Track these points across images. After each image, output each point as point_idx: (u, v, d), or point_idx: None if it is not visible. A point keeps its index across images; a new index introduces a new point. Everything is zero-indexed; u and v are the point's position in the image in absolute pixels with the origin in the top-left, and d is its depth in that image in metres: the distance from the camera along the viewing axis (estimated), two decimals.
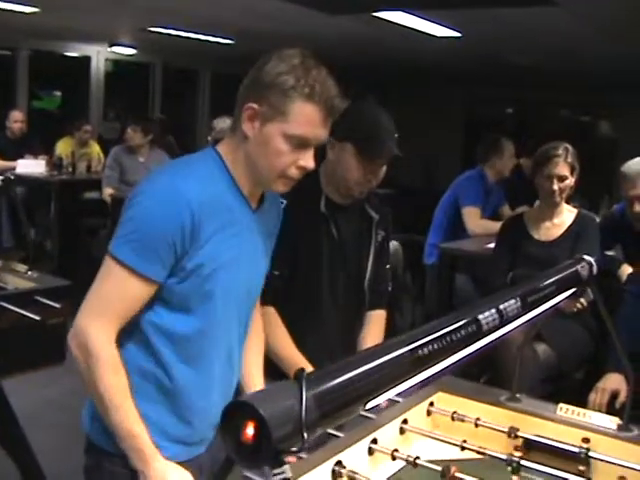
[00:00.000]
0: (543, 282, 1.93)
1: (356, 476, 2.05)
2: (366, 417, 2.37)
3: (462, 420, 2.46)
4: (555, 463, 2.21)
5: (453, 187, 5.78)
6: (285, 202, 2.30)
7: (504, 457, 2.29)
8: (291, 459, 1.49)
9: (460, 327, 1.41)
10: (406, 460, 2.21)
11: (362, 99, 2.66)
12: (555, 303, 2.01)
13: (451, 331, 1.38)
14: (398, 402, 2.49)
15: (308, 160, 1.90)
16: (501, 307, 1.60)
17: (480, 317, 1.50)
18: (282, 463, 0.95)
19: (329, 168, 2.61)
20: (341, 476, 2.06)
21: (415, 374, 1.25)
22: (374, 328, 2.80)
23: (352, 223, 2.68)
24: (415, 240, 6.26)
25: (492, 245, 4.43)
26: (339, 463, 2.06)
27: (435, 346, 1.29)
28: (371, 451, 2.23)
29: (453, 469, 2.06)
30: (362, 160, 2.49)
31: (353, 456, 2.12)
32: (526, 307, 1.73)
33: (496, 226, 4.95)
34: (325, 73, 1.89)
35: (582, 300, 3.49)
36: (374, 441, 2.24)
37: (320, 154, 2.21)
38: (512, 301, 1.67)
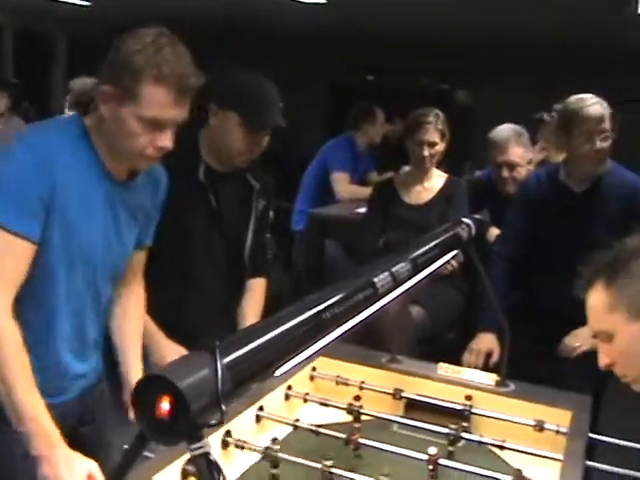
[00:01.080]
0: (429, 244, 1.96)
1: (244, 444, 2.04)
2: None
3: (346, 384, 2.48)
4: (439, 421, 2.27)
5: (322, 153, 5.78)
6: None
7: (391, 418, 2.34)
8: None
9: (358, 290, 1.41)
10: (293, 425, 2.21)
11: (247, 69, 2.60)
12: (440, 265, 2.05)
13: (350, 294, 1.37)
14: None
15: (165, 140, 1.87)
16: (394, 270, 1.61)
17: (375, 280, 1.51)
18: (201, 437, 0.91)
19: (210, 135, 2.55)
20: (230, 445, 2.04)
21: (320, 338, 1.24)
22: (254, 296, 2.77)
23: (232, 192, 2.63)
24: (282, 207, 6.24)
25: (361, 210, 4.48)
26: (227, 433, 2.05)
27: (337, 310, 1.28)
28: (258, 418, 2.22)
29: (356, 435, 2.08)
30: (247, 130, 2.45)
31: (240, 425, 2.11)
32: (416, 269, 1.76)
33: (365, 191, 5.01)
34: (179, 51, 1.84)
35: (453, 262, 3.58)
36: (260, 408, 2.23)
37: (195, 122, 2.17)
38: (403, 264, 1.69)
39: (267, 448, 1.98)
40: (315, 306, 1.25)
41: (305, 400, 2.42)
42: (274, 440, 1.99)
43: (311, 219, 5.46)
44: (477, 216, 3.83)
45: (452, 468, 1.99)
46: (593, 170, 3.06)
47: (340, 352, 2.65)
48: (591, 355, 1.70)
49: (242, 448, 2.04)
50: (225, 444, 2.04)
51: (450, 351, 3.14)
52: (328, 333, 1.27)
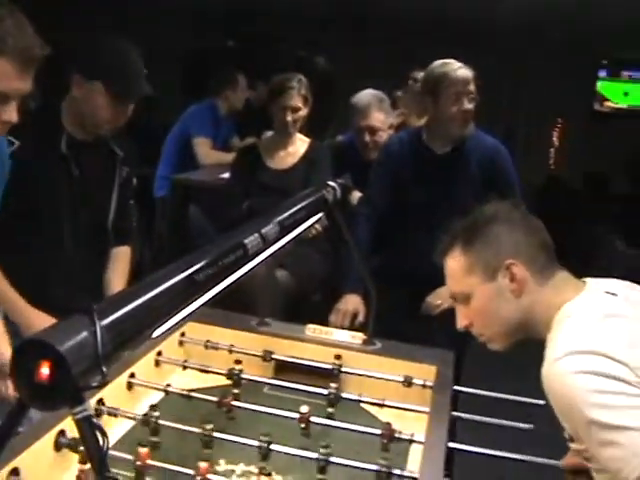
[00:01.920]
0: (296, 207, 1.99)
1: (117, 412, 2.03)
2: None
3: (216, 348, 2.49)
4: (310, 381, 2.32)
5: (183, 119, 5.71)
6: (17, 143, 2.28)
7: (261, 380, 2.38)
8: None
9: (229, 252, 1.43)
10: (165, 391, 2.21)
11: (110, 36, 2.54)
12: (307, 227, 2.09)
13: (222, 256, 1.39)
14: None
15: (11, 114, 1.81)
16: (263, 231, 1.63)
17: (246, 241, 1.52)
18: (82, 400, 0.91)
19: (74, 106, 2.49)
20: (103, 414, 2.03)
21: (195, 298, 1.25)
22: (119, 265, 2.75)
23: (96, 161, 2.59)
24: (142, 174, 6.12)
25: (225, 176, 4.46)
26: (100, 401, 2.03)
27: (210, 271, 1.30)
28: (130, 386, 2.21)
29: (229, 398, 2.10)
30: (113, 99, 2.41)
31: (112, 393, 2.08)
32: (284, 230, 1.78)
33: (227, 157, 4.99)
34: (20, 22, 1.78)
35: (317, 226, 3.63)
36: (132, 375, 2.22)
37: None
38: (271, 226, 1.71)
39: (146, 415, 1.98)
40: (189, 268, 1.26)
41: (175, 366, 2.42)
42: (153, 407, 1.98)
43: (174, 185, 5.40)
44: (340, 180, 3.89)
45: (324, 425, 2.05)
46: (459, 132, 3.14)
47: (208, 317, 2.65)
48: (453, 313, 1.78)
49: (115, 416, 2.03)
50: (98, 412, 2.02)
51: (317, 313, 3.19)
52: (203, 294, 1.29)
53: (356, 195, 3.86)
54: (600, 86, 9.30)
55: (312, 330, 2.60)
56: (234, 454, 1.94)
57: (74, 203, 2.54)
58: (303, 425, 2.02)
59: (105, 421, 2.01)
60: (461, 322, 1.68)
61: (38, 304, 2.40)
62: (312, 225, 3.61)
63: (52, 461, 1.77)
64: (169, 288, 1.17)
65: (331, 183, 2.41)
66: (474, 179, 3.15)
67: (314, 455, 1.82)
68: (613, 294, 1.56)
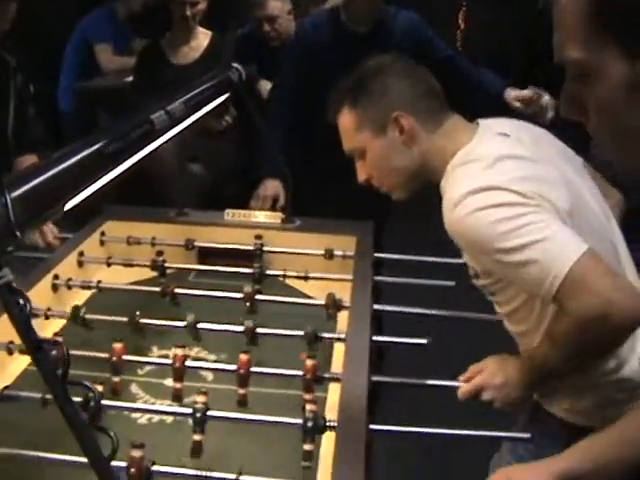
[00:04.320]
0: (203, 86, 1.98)
1: (47, 313, 2.03)
2: (40, 258, 2.33)
3: (138, 243, 2.49)
4: (234, 264, 2.35)
5: (81, 26, 5.52)
6: None
7: (185, 267, 2.41)
8: None
9: (137, 126, 1.42)
10: (96, 288, 2.22)
11: None
12: (213, 107, 2.08)
13: (130, 130, 1.38)
14: (68, 238, 2.47)
15: None
16: (169, 109, 1.62)
17: (152, 117, 1.51)
18: (0, 266, 0.91)
19: None
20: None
21: (105, 172, 1.25)
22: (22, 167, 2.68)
23: None
24: (42, 90, 5.92)
25: (130, 79, 4.36)
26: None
27: (118, 144, 1.29)
28: (55, 287, 2.20)
29: (171, 287, 2.14)
30: None
31: (37, 295, 2.07)
32: (190, 109, 1.78)
33: (130, 61, 4.86)
34: None
35: (227, 118, 3.62)
36: (56, 277, 2.21)
37: None
38: (177, 104, 1.70)
39: (76, 308, 1.99)
40: (96, 142, 1.25)
41: (99, 264, 2.41)
42: (82, 305, 2.00)
43: (79, 94, 5.26)
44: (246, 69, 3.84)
45: (268, 301, 2.11)
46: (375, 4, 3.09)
47: (127, 214, 2.65)
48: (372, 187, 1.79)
49: (47, 318, 2.04)
50: None
51: (233, 204, 3.18)
52: (113, 167, 1.28)
53: (266, 85, 3.82)
54: None
55: (231, 214, 2.62)
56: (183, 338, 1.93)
57: None
58: (248, 303, 2.07)
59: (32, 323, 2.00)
60: (361, 176, 1.71)
61: None
62: (222, 117, 3.64)
63: None
64: (78, 161, 1.16)
65: (235, 65, 2.38)
66: (403, 53, 3.11)
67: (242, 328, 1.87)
68: (505, 135, 1.59)
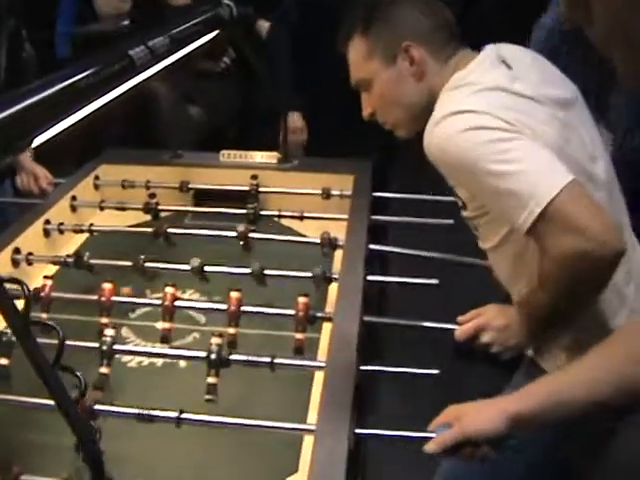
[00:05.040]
0: (189, 21, 1.91)
1: (34, 258, 2.01)
2: (34, 203, 2.30)
3: (133, 186, 2.45)
4: (230, 205, 2.31)
5: None
6: None
7: (180, 209, 2.37)
8: None
9: (113, 62, 1.37)
10: (88, 231, 2.20)
11: None
12: (203, 44, 2.01)
13: (105, 66, 1.32)
14: (61, 183, 2.43)
15: None
16: (150, 44, 1.56)
17: (131, 53, 1.46)
18: None
19: None
20: (20, 263, 2.00)
21: (79, 107, 1.20)
22: None
23: None
24: (38, 37, 5.81)
25: (126, 23, 4.31)
26: (16, 250, 2.00)
27: (92, 79, 1.24)
28: (47, 233, 2.17)
29: (164, 227, 2.11)
30: None
31: (28, 241, 2.05)
32: (175, 44, 1.71)
33: (127, 4, 4.77)
34: None
35: (226, 59, 3.55)
36: (47, 222, 2.18)
37: None
38: (160, 38, 1.64)
39: (78, 257, 1.96)
40: (70, 76, 1.20)
41: (92, 208, 2.38)
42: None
43: (78, 39, 5.17)
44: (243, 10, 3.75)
45: (263, 240, 2.08)
46: None
47: (121, 157, 2.61)
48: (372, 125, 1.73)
49: (31, 264, 2.01)
50: (15, 263, 1.99)
51: (233, 147, 3.13)
52: (87, 103, 1.23)
53: (264, 25, 3.73)
54: None
55: (226, 155, 2.56)
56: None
57: None
58: (242, 242, 2.06)
59: (24, 270, 1.98)
60: (366, 110, 1.65)
61: None
62: (220, 59, 3.57)
63: None
64: (49, 95, 1.11)
65: (226, 1, 2.30)
66: None
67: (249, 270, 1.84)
68: (508, 67, 1.52)
